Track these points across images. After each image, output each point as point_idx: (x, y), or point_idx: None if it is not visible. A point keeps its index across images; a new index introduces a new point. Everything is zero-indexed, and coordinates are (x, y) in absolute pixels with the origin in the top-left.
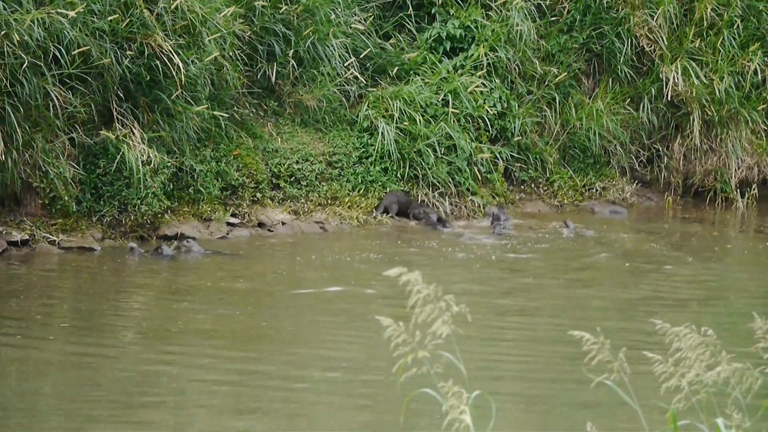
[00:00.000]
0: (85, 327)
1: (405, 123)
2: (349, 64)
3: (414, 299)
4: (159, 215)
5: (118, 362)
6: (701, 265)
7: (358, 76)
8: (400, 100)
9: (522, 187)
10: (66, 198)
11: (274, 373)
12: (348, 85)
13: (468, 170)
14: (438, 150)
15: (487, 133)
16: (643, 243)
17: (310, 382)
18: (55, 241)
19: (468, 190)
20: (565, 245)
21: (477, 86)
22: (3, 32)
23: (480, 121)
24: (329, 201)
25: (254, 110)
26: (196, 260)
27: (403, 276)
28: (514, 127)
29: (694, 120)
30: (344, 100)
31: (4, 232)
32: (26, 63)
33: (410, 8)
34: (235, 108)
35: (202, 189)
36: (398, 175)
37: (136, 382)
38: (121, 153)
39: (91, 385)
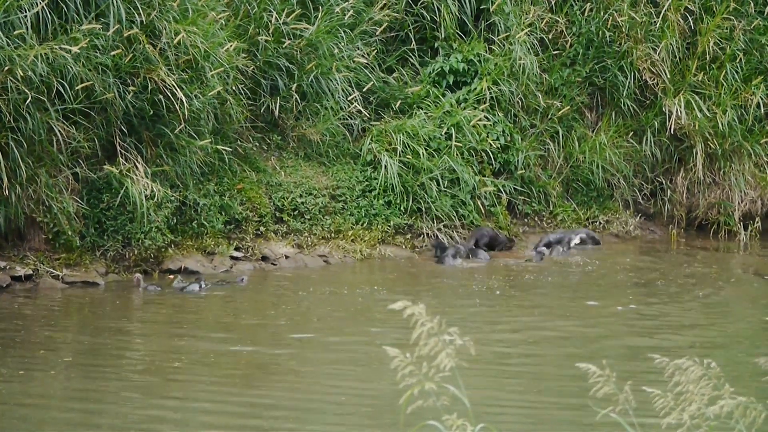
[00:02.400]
0: (88, 362)
1: (408, 156)
2: (352, 98)
3: (418, 332)
4: (163, 249)
5: (121, 398)
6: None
7: (362, 109)
8: (403, 134)
9: (525, 220)
10: (69, 232)
11: (277, 405)
12: (351, 118)
13: (472, 203)
14: (441, 183)
15: (491, 167)
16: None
17: (314, 413)
18: (58, 275)
19: (472, 223)
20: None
21: (480, 120)
22: (7, 68)
23: (483, 154)
24: (333, 234)
25: (258, 144)
26: (200, 295)
27: (408, 309)
28: (518, 160)
29: (697, 153)
30: (347, 133)
31: (8, 267)
32: (30, 98)
33: (413, 42)
34: (239, 142)
35: (205, 223)
36: (402, 208)
37: (139, 419)
38: (124, 187)
39: (94, 421)
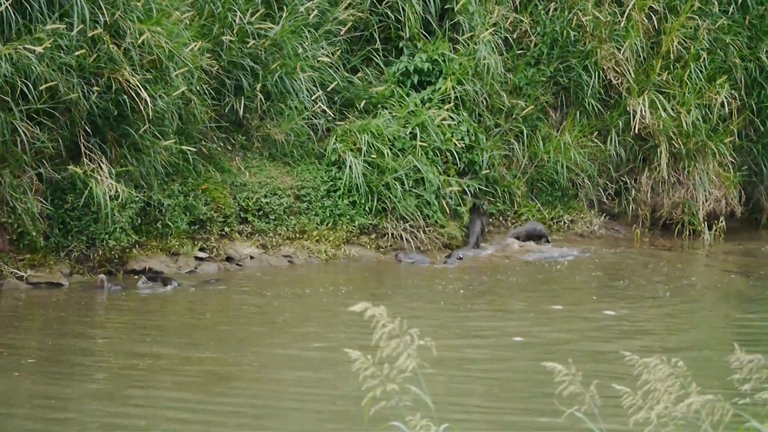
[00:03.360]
0: (52, 364)
1: (373, 156)
2: (316, 98)
3: (379, 334)
4: (127, 250)
5: (85, 399)
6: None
7: (326, 109)
8: (368, 134)
9: (490, 219)
10: (34, 233)
11: (242, 412)
12: (316, 118)
13: (436, 203)
14: (406, 183)
15: (455, 166)
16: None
17: (278, 416)
18: (23, 276)
19: (436, 222)
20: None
21: (444, 119)
22: None
23: (448, 154)
24: (297, 235)
25: (222, 144)
26: (165, 296)
27: (369, 311)
28: (482, 160)
29: (661, 153)
30: (312, 133)
31: None
32: None
33: (378, 42)
34: (203, 142)
35: (170, 223)
36: (366, 208)
37: (104, 418)
38: (88, 188)
39: (59, 421)
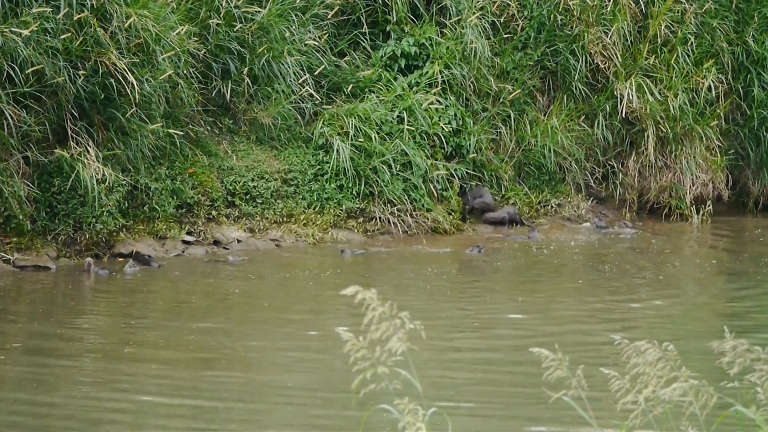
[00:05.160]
0: (38, 346)
1: (360, 140)
2: (303, 81)
3: (369, 317)
4: (114, 233)
5: (72, 382)
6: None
7: (313, 93)
8: (355, 118)
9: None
10: (21, 217)
11: (229, 393)
12: (303, 102)
13: (424, 187)
14: (393, 167)
15: (443, 150)
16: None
17: (266, 400)
18: (9, 259)
19: (423, 206)
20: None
21: (432, 103)
22: None
23: (435, 138)
24: (285, 218)
25: (209, 128)
26: (152, 278)
27: (359, 294)
28: (470, 144)
29: (648, 137)
30: (299, 117)
31: None
32: None
33: (365, 26)
34: (190, 126)
35: (157, 207)
36: (354, 192)
37: (91, 401)
38: (75, 171)
39: (45, 404)
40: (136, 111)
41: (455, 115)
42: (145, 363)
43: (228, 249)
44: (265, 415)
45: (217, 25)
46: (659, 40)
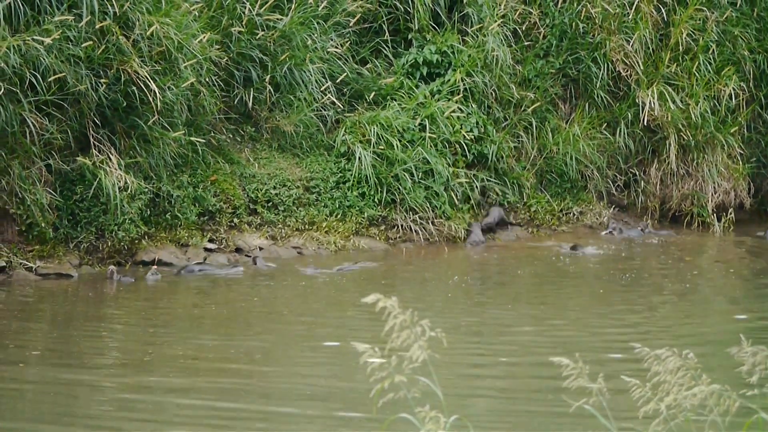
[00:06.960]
0: (60, 354)
1: (382, 148)
2: (325, 89)
3: (390, 325)
4: (136, 241)
5: (94, 390)
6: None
7: (335, 101)
8: (377, 125)
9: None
10: (43, 224)
11: (251, 400)
12: (325, 110)
13: (445, 195)
14: (415, 175)
15: (464, 158)
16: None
17: (289, 407)
18: (32, 267)
19: (443, 214)
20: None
21: (453, 111)
22: None
23: (457, 146)
24: (307, 226)
25: (231, 136)
26: (174, 285)
27: (380, 302)
28: (491, 152)
29: (670, 144)
30: (321, 125)
31: None
32: (2, 90)
33: (387, 34)
34: (212, 134)
35: (179, 215)
36: (376, 199)
37: (112, 409)
38: (98, 179)
39: (66, 412)
40: (158, 119)
41: (477, 122)
42: (167, 370)
43: (250, 256)
44: (286, 422)
45: (239, 33)
46: (681, 48)
